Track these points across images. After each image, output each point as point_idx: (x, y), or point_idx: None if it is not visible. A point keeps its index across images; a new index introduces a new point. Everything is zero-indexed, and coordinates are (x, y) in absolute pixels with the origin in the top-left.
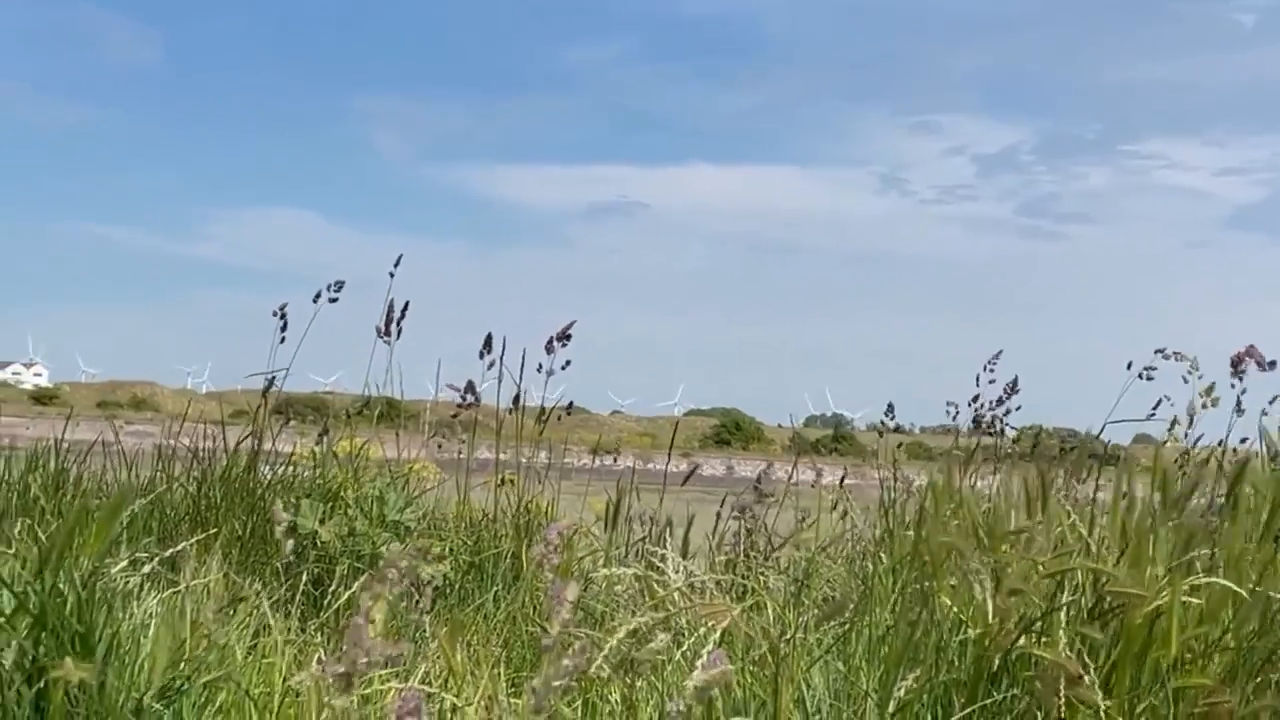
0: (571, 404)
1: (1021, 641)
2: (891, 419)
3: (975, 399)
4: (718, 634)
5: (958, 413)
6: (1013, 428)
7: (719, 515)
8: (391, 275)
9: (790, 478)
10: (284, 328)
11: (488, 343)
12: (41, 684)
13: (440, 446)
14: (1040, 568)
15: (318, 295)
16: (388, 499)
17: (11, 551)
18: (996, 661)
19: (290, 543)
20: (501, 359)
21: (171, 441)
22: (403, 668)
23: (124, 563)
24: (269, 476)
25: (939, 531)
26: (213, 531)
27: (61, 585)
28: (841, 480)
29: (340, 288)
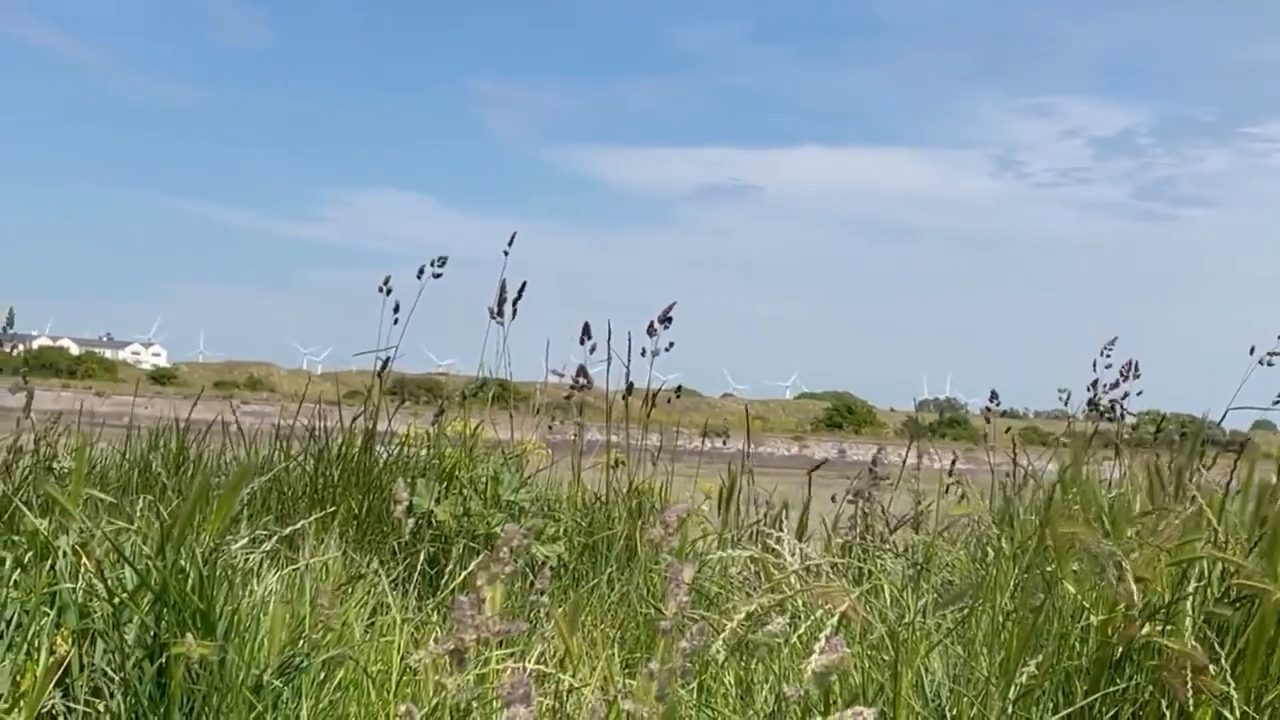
0: (680, 387)
1: (1146, 630)
2: (996, 404)
3: (1094, 384)
4: (835, 618)
5: (1069, 396)
6: (1131, 414)
7: (833, 499)
8: (506, 254)
9: (905, 461)
10: (396, 308)
11: (586, 330)
12: (163, 660)
13: (551, 428)
14: (1166, 555)
15: (420, 271)
16: (502, 479)
17: (134, 528)
18: (1120, 650)
19: (410, 522)
20: (608, 342)
21: (289, 421)
22: (520, 648)
23: (244, 540)
24: (384, 456)
25: (1063, 517)
26: (330, 510)
27: (183, 562)
28: (952, 465)
29: (444, 263)
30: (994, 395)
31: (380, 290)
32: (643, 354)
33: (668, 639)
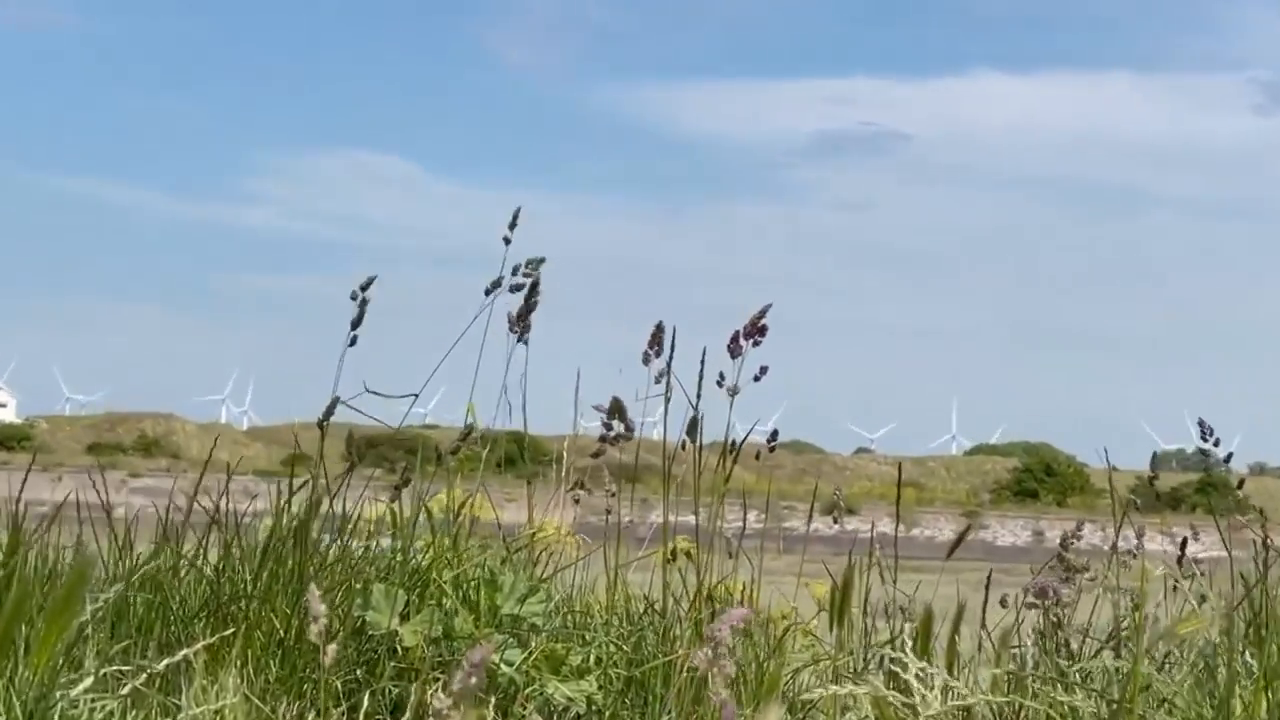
0: (776, 434)
1: None
2: (1215, 443)
3: None
4: None
5: None
6: None
7: (1002, 601)
8: (507, 241)
9: (1115, 544)
10: (355, 322)
11: (656, 338)
12: None
13: (578, 500)
14: None
15: (495, 284)
16: (502, 583)
17: None
18: None
19: (332, 649)
20: (668, 365)
21: (191, 500)
22: None
23: (90, 680)
24: (329, 549)
25: None
26: (233, 631)
27: None
28: (1182, 549)
29: (537, 266)
30: (1207, 432)
31: (355, 298)
32: (720, 383)
33: None
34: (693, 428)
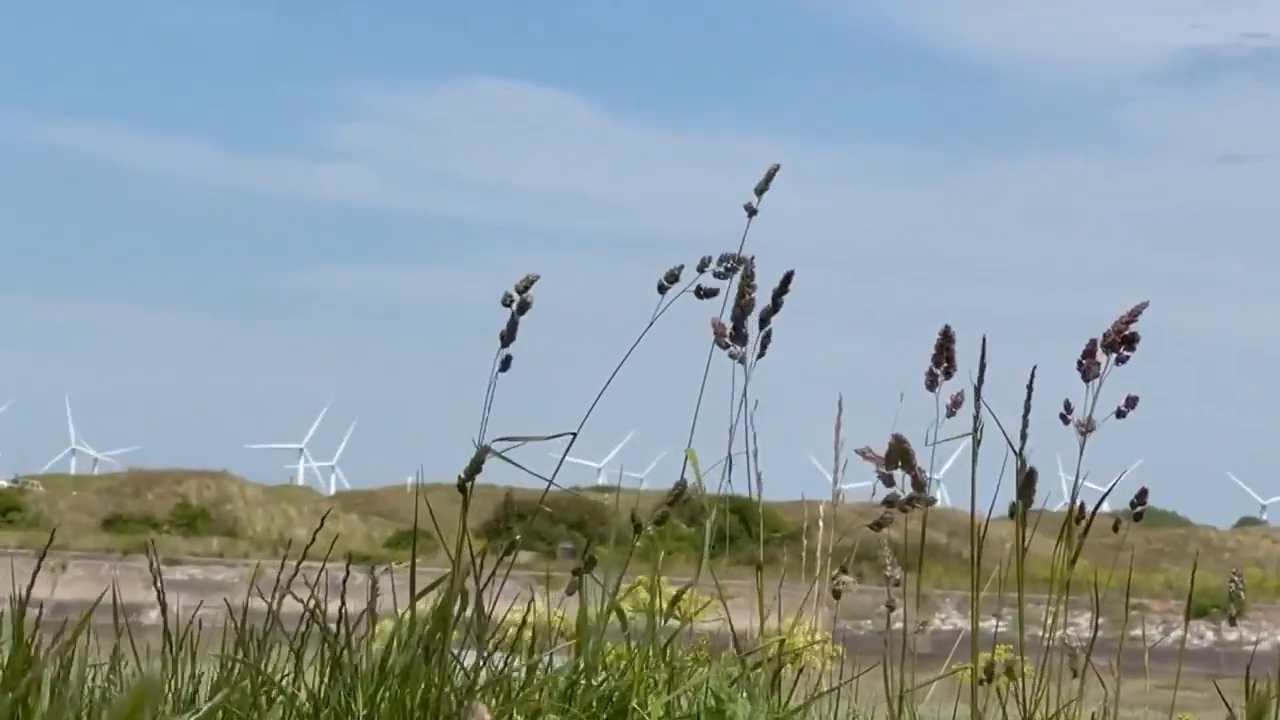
0: (1145, 496)
1: None
2: None
3: None
4: None
5: None
6: None
7: None
8: (751, 212)
9: None
10: (508, 334)
11: (944, 351)
12: None
13: (837, 596)
14: None
15: (673, 277)
16: (733, 714)
17: None
18: None
19: None
20: (978, 392)
21: (278, 599)
22: None
23: None
24: (477, 668)
25: None
26: None
27: None
28: None
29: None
30: None
31: (508, 303)
32: (1064, 417)
33: None
34: (1027, 485)
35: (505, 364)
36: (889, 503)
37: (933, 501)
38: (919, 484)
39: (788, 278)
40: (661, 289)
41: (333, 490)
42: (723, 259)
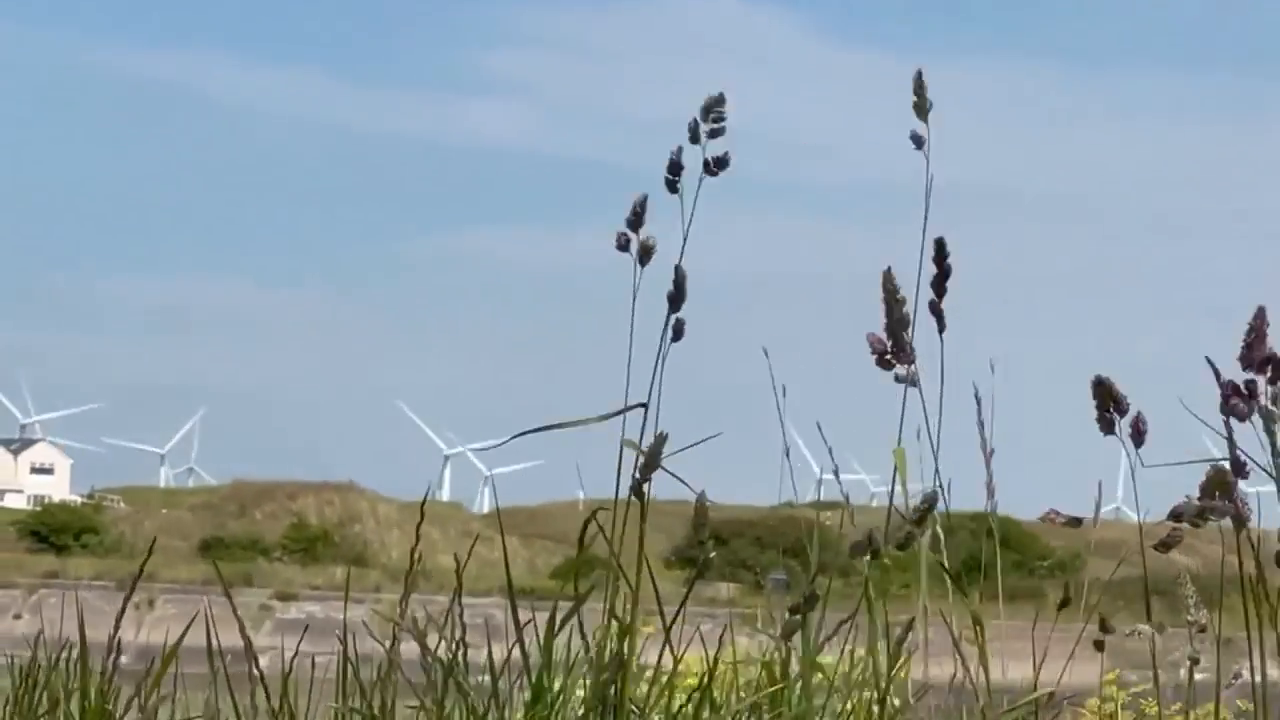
0: None
1: None
2: None
3: None
4: None
5: None
6: None
7: None
8: (919, 144)
9: None
10: (676, 296)
11: (1259, 332)
12: None
13: (1100, 647)
14: None
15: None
16: None
17: None
18: None
19: None
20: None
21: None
22: None
23: None
24: None
25: None
26: None
27: None
28: None
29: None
30: None
31: (622, 247)
32: None
33: None
34: None
35: (678, 332)
36: (1175, 516)
37: (1245, 522)
38: (1240, 519)
39: (940, 246)
40: (671, 186)
41: (486, 507)
42: (705, 109)
